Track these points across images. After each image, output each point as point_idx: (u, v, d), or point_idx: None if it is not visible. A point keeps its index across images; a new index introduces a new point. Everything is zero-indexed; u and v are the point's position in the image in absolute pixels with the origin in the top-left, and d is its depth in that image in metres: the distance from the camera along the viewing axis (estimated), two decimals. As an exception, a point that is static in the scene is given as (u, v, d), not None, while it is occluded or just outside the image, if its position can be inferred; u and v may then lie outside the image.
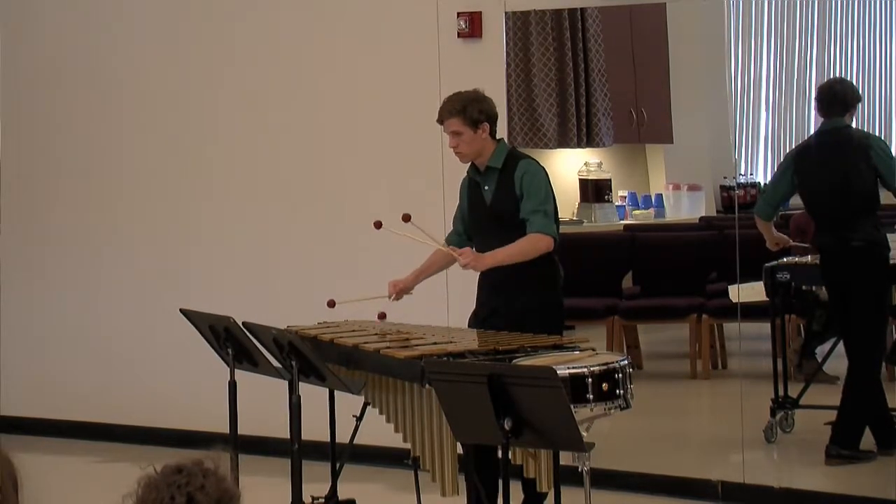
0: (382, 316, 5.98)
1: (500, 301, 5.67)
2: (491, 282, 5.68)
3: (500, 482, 4.61)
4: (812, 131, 7.19)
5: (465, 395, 4.22)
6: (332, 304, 6.02)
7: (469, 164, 5.86)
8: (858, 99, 6.89)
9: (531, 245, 5.58)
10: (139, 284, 8.21)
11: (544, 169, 5.82)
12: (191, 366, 7.55)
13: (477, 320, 5.79)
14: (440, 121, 5.80)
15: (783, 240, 7.10)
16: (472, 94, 5.80)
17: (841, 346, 6.98)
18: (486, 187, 5.77)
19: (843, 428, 6.66)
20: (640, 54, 8.35)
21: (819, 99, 6.89)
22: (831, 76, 7.81)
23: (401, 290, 5.94)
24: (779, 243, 7.07)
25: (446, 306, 6.83)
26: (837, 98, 6.79)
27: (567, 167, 8.23)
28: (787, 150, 7.58)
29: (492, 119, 5.76)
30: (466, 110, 5.69)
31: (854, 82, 7.37)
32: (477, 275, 5.77)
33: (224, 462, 2.50)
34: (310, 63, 7.69)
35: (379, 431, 5.63)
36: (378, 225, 5.76)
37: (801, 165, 6.89)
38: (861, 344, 6.69)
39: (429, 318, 6.14)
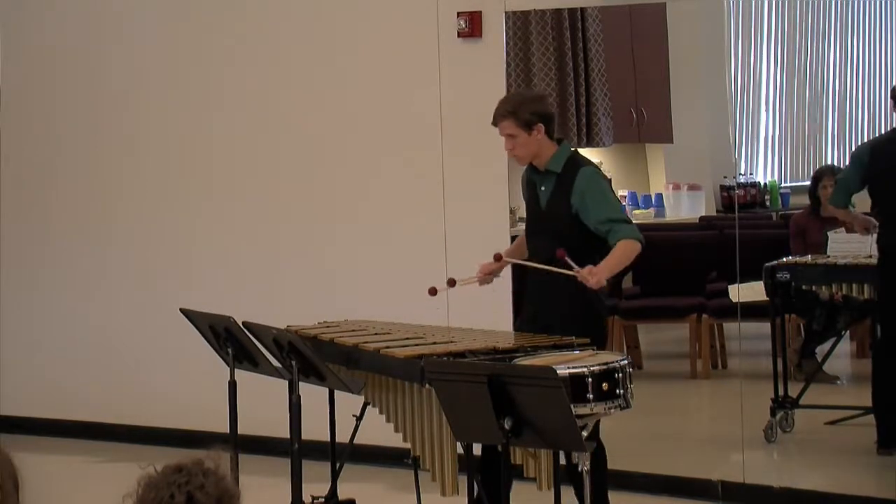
0: (452, 283, 5.75)
1: (545, 304, 5.57)
2: (537, 287, 5.61)
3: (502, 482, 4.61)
4: (816, 130, 7.14)
5: (465, 395, 4.21)
6: (451, 282, 5.75)
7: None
8: None
9: (631, 251, 5.44)
10: (139, 284, 8.21)
11: (604, 175, 5.70)
12: (191, 366, 7.55)
13: (521, 322, 5.76)
14: (494, 123, 5.58)
15: (870, 221, 6.76)
16: (526, 94, 5.61)
17: (841, 347, 6.95)
18: (543, 188, 5.60)
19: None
20: (640, 54, 8.34)
21: (894, 97, 6.66)
22: (831, 76, 7.81)
23: (489, 273, 5.79)
24: (867, 227, 6.76)
25: (446, 306, 6.82)
26: None
27: (567, 167, 8.22)
28: (788, 151, 7.55)
29: (546, 119, 5.53)
30: (518, 112, 5.48)
31: (852, 82, 7.34)
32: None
33: (224, 462, 2.51)
34: (309, 63, 7.68)
35: (379, 431, 5.62)
36: (452, 283, 5.66)
37: (874, 161, 6.63)
38: None
39: (429, 318, 6.13)
